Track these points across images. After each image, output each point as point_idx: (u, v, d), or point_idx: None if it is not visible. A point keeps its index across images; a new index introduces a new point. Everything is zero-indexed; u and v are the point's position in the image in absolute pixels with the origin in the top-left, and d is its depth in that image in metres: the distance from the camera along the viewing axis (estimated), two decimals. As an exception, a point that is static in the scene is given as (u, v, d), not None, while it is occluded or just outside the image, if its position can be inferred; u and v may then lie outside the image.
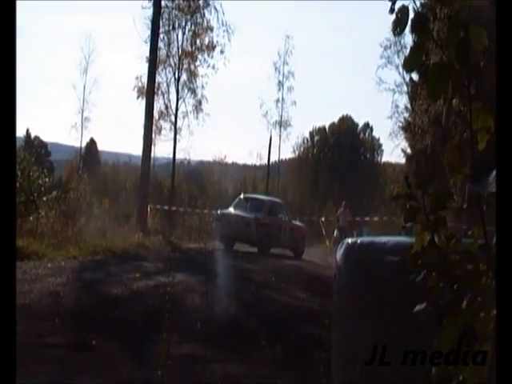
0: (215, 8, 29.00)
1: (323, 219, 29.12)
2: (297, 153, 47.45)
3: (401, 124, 32.09)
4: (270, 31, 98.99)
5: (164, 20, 27.47)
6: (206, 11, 29.22)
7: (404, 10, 1.52)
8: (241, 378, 6.46)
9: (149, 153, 23.63)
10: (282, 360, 6.01)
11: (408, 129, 23.60)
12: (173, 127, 30.21)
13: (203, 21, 29.49)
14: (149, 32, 24.45)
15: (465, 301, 1.22)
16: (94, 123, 64.67)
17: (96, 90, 58.00)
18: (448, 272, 1.32)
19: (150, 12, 24.80)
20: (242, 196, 20.22)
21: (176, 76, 30.08)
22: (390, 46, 37.30)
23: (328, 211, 31.02)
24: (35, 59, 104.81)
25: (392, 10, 1.52)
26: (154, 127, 26.07)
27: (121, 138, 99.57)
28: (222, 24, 29.24)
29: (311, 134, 48.19)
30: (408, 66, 1.55)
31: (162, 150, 49.34)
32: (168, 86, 30.13)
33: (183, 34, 29.77)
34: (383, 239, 2.56)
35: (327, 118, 79.18)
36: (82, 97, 40.54)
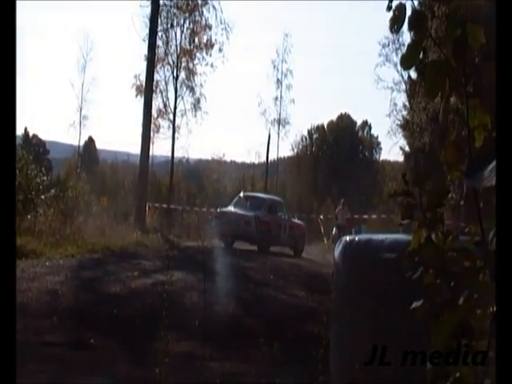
0: (213, 6, 29.00)
1: (322, 217, 29.14)
2: (295, 151, 47.48)
3: (399, 122, 32.10)
4: (268, 29, 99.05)
5: (162, 18, 27.48)
6: (204, 9, 29.22)
7: (401, 7, 1.52)
8: (239, 376, 6.47)
9: (147, 151, 23.63)
10: (281, 358, 6.01)
11: (406, 127, 23.60)
12: (171, 125, 30.21)
13: (201, 19, 29.48)
14: (147, 30, 24.46)
15: (462, 298, 1.22)
16: (92, 121, 64.66)
17: (94, 89, 58.04)
18: (445, 269, 1.33)
19: (148, 10, 24.81)
20: (241, 194, 20.23)
21: (174, 74, 30.07)
22: (389, 44, 37.30)
23: (326, 209, 31.03)
24: (33, 57, 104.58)
25: (389, 8, 1.53)
26: (152, 125, 26.07)
27: (119, 137, 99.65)
28: (221, 22, 29.27)
29: (310, 131, 48.21)
30: (405, 63, 1.55)
31: (160, 148, 49.19)
32: (166, 84, 30.13)
33: (181, 32, 29.76)
34: (381, 237, 2.56)
35: (326, 116, 79.22)
36: (80, 95, 40.50)
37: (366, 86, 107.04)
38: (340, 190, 35.10)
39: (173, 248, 14.47)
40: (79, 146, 44.93)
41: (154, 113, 27.94)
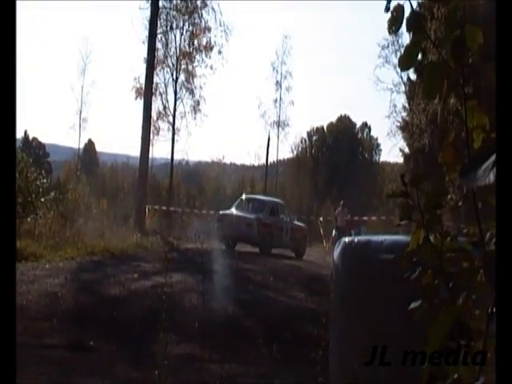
0: (213, 8, 29.03)
1: (321, 219, 29.15)
2: (295, 153, 47.48)
3: (399, 123, 32.11)
4: (267, 31, 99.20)
5: (162, 21, 27.52)
6: (203, 12, 29.26)
7: (399, 8, 1.52)
8: (238, 377, 6.46)
9: (147, 153, 23.64)
10: (280, 359, 6.02)
11: (406, 128, 23.61)
12: (171, 128, 30.26)
13: (201, 21, 29.53)
14: (146, 33, 24.50)
15: (460, 298, 1.23)
16: (92, 124, 64.93)
17: (94, 91, 58.22)
18: (443, 270, 1.33)
19: (147, 13, 24.84)
20: (243, 197, 20.27)
21: (174, 76, 30.13)
22: (388, 46, 37.28)
23: (326, 211, 31.05)
24: (33, 60, 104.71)
25: (387, 9, 1.53)
26: (152, 128, 26.09)
27: (119, 139, 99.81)
28: (220, 24, 29.28)
29: (309, 133, 48.22)
30: (403, 64, 1.55)
31: (160, 150, 49.33)
32: (166, 86, 30.18)
33: (181, 34, 29.82)
34: (380, 238, 2.57)
35: (325, 118, 79.45)
36: (79, 98, 40.56)
37: (365, 87, 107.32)
38: (339, 192, 35.10)
39: (172, 250, 14.49)
40: (79, 149, 44.99)
41: (154, 115, 27.99)
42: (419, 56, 1.52)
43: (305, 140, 47.85)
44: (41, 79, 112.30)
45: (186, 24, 29.63)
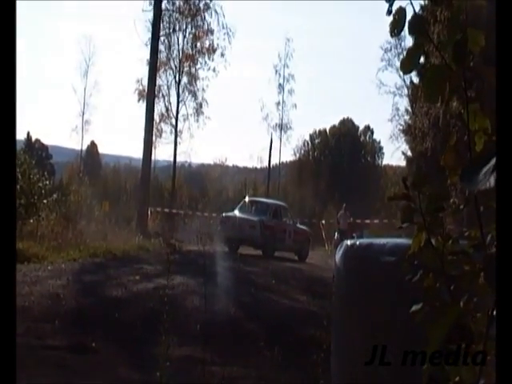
0: (215, 11, 29.14)
1: (323, 222, 29.14)
2: (297, 155, 47.56)
3: (401, 127, 32.17)
4: (270, 34, 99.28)
5: (164, 23, 27.59)
6: (206, 14, 29.36)
7: (401, 11, 1.53)
8: (240, 380, 6.46)
9: (149, 155, 23.68)
10: (281, 362, 6.01)
11: (408, 131, 23.63)
12: (173, 130, 30.35)
13: (204, 24, 29.61)
14: (149, 35, 24.55)
15: (461, 301, 1.23)
16: (94, 126, 65.14)
17: (97, 93, 58.27)
18: (444, 272, 1.33)
19: (150, 15, 24.91)
20: (246, 199, 20.31)
21: (176, 79, 30.21)
22: (391, 49, 37.45)
23: (328, 214, 31.02)
24: (35, 62, 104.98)
25: (389, 12, 1.53)
26: (154, 130, 26.14)
27: (121, 141, 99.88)
28: (223, 27, 29.39)
29: (312, 136, 48.28)
30: (405, 67, 1.55)
31: (162, 152, 49.54)
32: (169, 88, 30.27)
33: (184, 36, 29.90)
34: (382, 241, 2.56)
35: (328, 121, 79.41)
36: (82, 100, 40.71)
37: (368, 90, 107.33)
38: (342, 195, 35.08)
39: (175, 252, 14.49)
40: (81, 151, 45.10)
41: (157, 117, 28.07)
42: (421, 59, 1.53)
43: (307, 143, 47.92)
44: (43, 81, 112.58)
45: (189, 26, 29.73)
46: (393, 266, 1.75)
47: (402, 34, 1.55)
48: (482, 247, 1.24)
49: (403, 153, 26.70)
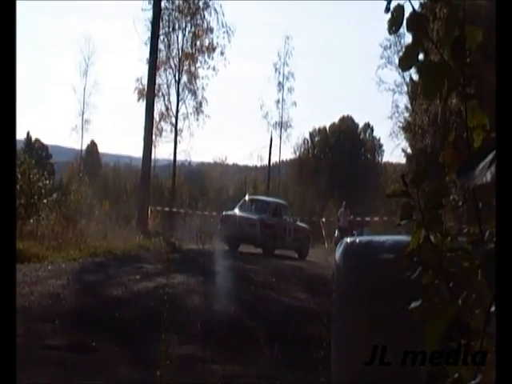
0: (215, 9, 29.13)
1: (324, 220, 29.15)
2: (297, 153, 47.52)
3: (401, 124, 32.12)
4: (269, 32, 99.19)
5: (164, 22, 27.57)
6: (205, 13, 29.35)
7: (399, 8, 1.52)
8: (240, 378, 6.46)
9: (149, 154, 23.67)
10: (282, 360, 6.02)
11: (408, 129, 23.63)
12: (173, 129, 30.35)
13: (203, 22, 29.61)
14: (149, 34, 24.53)
15: (460, 298, 1.23)
16: (94, 125, 65.01)
17: (96, 92, 58.05)
18: (443, 269, 1.33)
19: (149, 14, 24.88)
20: (246, 197, 20.33)
21: (176, 78, 30.21)
22: (390, 46, 37.39)
23: (329, 212, 31.04)
24: (35, 61, 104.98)
25: (388, 9, 1.53)
26: (154, 129, 26.13)
27: (121, 140, 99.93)
28: (222, 25, 29.38)
29: (312, 134, 48.26)
30: (403, 64, 1.55)
31: (162, 151, 49.44)
32: (168, 87, 30.27)
33: (183, 35, 29.89)
34: (382, 238, 2.57)
35: (327, 119, 79.34)
36: (82, 99, 40.68)
37: (367, 88, 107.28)
38: (342, 193, 35.09)
39: (175, 251, 14.49)
40: (81, 150, 45.08)
41: (156, 116, 28.07)
42: (420, 56, 1.52)
43: (307, 141, 47.89)
44: (43, 80, 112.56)
45: (189, 25, 29.72)
46: (392, 263, 1.75)
47: (402, 31, 1.55)
48: (480, 244, 1.24)
49: (403, 150, 26.68)
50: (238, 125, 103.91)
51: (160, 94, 29.34)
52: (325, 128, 48.35)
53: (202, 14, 29.38)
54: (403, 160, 27.41)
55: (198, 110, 31.19)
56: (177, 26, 29.39)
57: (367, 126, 48.91)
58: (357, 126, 48.65)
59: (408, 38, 1.54)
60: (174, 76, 30.18)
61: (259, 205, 19.29)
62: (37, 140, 51.75)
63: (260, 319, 8.96)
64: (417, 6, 1.60)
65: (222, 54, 30.06)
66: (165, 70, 29.84)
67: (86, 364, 6.75)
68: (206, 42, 30.01)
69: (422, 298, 1.31)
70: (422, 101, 19.67)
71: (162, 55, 28.79)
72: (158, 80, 27.47)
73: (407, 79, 33.45)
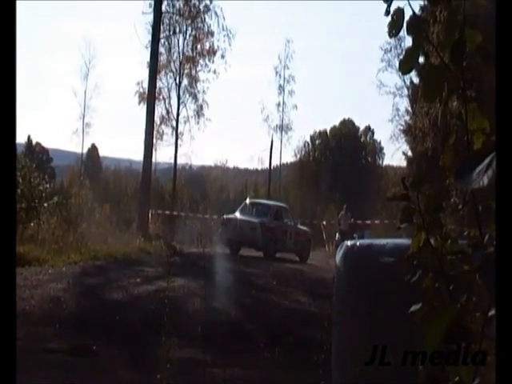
0: (215, 13, 29.16)
1: (324, 223, 29.14)
2: (298, 156, 47.54)
3: (402, 127, 32.17)
4: (270, 35, 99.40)
5: (165, 25, 27.59)
6: (206, 16, 29.37)
7: (399, 11, 1.53)
8: (241, 381, 6.45)
9: (150, 158, 23.68)
10: (282, 363, 6.01)
11: (409, 132, 23.64)
12: (174, 132, 30.37)
13: (204, 26, 29.63)
14: (149, 37, 24.54)
15: (461, 301, 1.23)
16: (95, 129, 64.99)
17: (97, 96, 58.20)
18: (443, 272, 1.33)
19: (150, 17, 24.90)
20: (247, 201, 20.33)
21: (177, 81, 30.22)
22: (391, 50, 37.47)
23: (329, 215, 31.03)
24: (36, 65, 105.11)
25: (388, 12, 1.53)
26: (155, 132, 26.15)
27: (122, 144, 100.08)
28: (223, 29, 29.41)
29: (312, 137, 48.27)
30: (404, 67, 1.56)
31: (163, 154, 49.48)
32: (169, 91, 30.29)
33: (184, 39, 29.92)
34: (382, 241, 2.57)
35: (328, 122, 79.40)
36: (82, 103, 40.72)
37: (368, 91, 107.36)
38: (343, 196, 35.09)
39: (176, 254, 14.50)
40: (82, 154, 45.12)
41: (157, 120, 28.09)
42: (421, 59, 1.53)
43: (308, 144, 47.91)
44: (44, 84, 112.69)
45: (189, 28, 29.75)
46: (392, 266, 1.75)
47: (402, 34, 1.55)
48: (480, 247, 1.24)
49: (404, 153, 26.70)
50: (238, 128, 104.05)
51: (161, 97, 29.38)
52: (325, 131, 48.38)
53: (202, 17, 29.43)
54: (404, 163, 27.43)
55: (199, 113, 31.23)
56: (177, 30, 29.43)
57: (368, 129, 48.95)
58: (357, 129, 48.68)
59: (408, 41, 1.54)
60: (175, 79, 30.22)
61: (260, 208, 19.30)
62: (37, 143, 51.81)
63: (261, 322, 8.95)
64: (417, 9, 1.61)
65: (222, 57, 30.10)
66: (165, 73, 29.89)
67: (86, 367, 6.74)
68: (207, 46, 30.06)
69: (422, 302, 1.32)
70: (422, 104, 19.68)
71: (163, 58, 28.84)
72: (159, 83, 27.52)
73: (408, 82, 33.51)
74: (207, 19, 29.38)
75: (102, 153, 56.36)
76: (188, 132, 31.02)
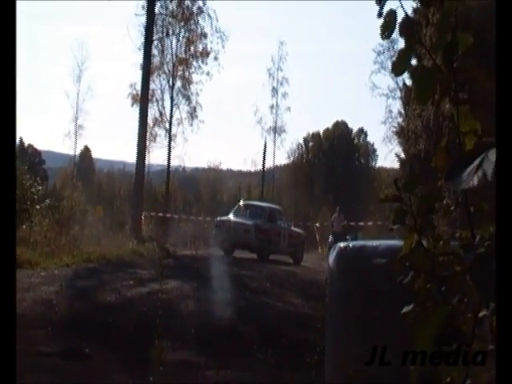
0: (209, 15, 29.12)
1: (317, 225, 29.16)
2: (291, 158, 47.55)
3: (394, 129, 32.25)
4: (263, 37, 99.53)
5: (158, 27, 27.55)
6: (199, 18, 29.33)
7: (392, 13, 1.53)
8: (234, 383, 6.45)
9: (143, 160, 23.62)
10: (276, 365, 6.01)
11: (402, 133, 23.69)
12: (167, 134, 30.30)
13: (197, 27, 29.59)
14: (142, 39, 24.47)
15: (453, 302, 1.23)
16: (88, 131, 64.93)
17: (90, 98, 58.10)
18: (435, 273, 1.33)
19: (143, 19, 24.82)
20: (241, 203, 20.32)
21: (170, 83, 30.17)
22: (384, 52, 37.58)
23: (323, 216, 31.04)
24: (28, 67, 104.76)
25: (380, 14, 1.53)
26: (148, 134, 26.10)
27: (115, 146, 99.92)
28: (216, 31, 29.37)
29: (305, 139, 48.29)
30: (396, 69, 1.56)
31: (156, 157, 49.35)
32: (162, 93, 30.23)
33: (177, 40, 29.86)
34: (375, 243, 2.58)
35: (321, 124, 79.50)
36: (75, 105, 40.63)
37: (361, 93, 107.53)
38: (336, 198, 35.12)
39: (169, 257, 14.47)
40: (75, 156, 44.97)
41: (150, 122, 28.02)
42: (413, 61, 1.53)
43: (301, 146, 47.93)
44: (36, 86, 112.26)
45: (182, 30, 29.69)
46: (385, 267, 1.75)
47: (396, 36, 1.56)
48: (471, 248, 1.25)
49: (397, 155, 26.74)
50: (232, 130, 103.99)
51: (154, 99, 29.33)
52: (319, 133, 48.41)
53: (195, 19, 29.38)
54: (397, 165, 27.48)
55: (192, 115, 31.16)
56: (170, 32, 29.38)
57: (361, 131, 49.02)
58: (351, 131, 48.74)
59: (401, 44, 1.55)
60: (168, 81, 30.17)
61: (254, 210, 19.29)
62: (30, 145, 51.59)
63: (254, 324, 8.94)
64: (410, 11, 1.61)
65: (215, 59, 30.06)
66: (158, 75, 29.83)
67: (79, 370, 6.71)
68: (200, 48, 30.00)
69: (414, 303, 1.32)
70: (415, 106, 19.74)
71: (156, 60, 28.78)
72: (152, 85, 27.44)
73: (400, 84, 33.59)
74: (200, 21, 29.36)
75: (94, 155, 56.27)
76: (181, 134, 30.98)
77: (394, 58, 1.56)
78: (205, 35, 29.57)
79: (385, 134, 37.93)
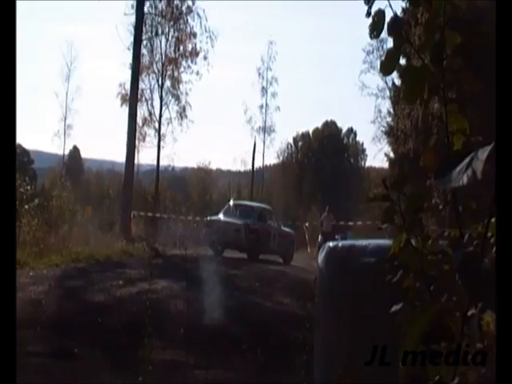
0: (198, 14, 29.06)
1: (307, 224, 29.20)
2: (281, 158, 47.64)
3: (384, 128, 32.37)
4: (253, 37, 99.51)
5: (147, 26, 27.45)
6: (188, 17, 29.26)
7: (380, 13, 1.53)
8: (224, 383, 6.44)
9: (132, 160, 23.54)
10: (265, 364, 6.01)
11: (391, 133, 23.79)
12: (157, 134, 30.21)
13: (186, 27, 29.51)
14: (131, 39, 24.37)
15: (441, 300, 1.24)
16: (77, 131, 64.56)
17: (79, 98, 57.93)
18: (424, 272, 1.34)
19: (132, 18, 24.70)
20: (231, 202, 20.28)
21: (159, 82, 30.05)
22: (373, 51, 37.69)
23: (312, 216, 31.09)
24: (17, 66, 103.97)
25: (369, 14, 1.53)
26: (137, 134, 26.02)
27: (104, 145, 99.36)
28: (205, 30, 29.30)
29: (295, 139, 48.39)
30: (384, 69, 1.56)
31: (145, 156, 49.32)
32: (152, 92, 30.11)
33: (166, 40, 29.76)
34: (364, 242, 2.58)
35: (311, 123, 79.46)
36: (64, 104, 40.52)
37: (350, 93, 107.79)
38: (325, 197, 35.21)
39: (158, 256, 14.43)
40: (64, 155, 44.79)
41: (140, 121, 27.92)
42: (402, 61, 1.53)
43: (291, 145, 48.02)
44: (25, 85, 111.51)
45: (172, 30, 29.59)
46: (374, 266, 1.75)
47: (385, 36, 1.56)
48: (459, 246, 1.25)
49: (386, 154, 26.88)
50: (221, 130, 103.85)
51: (143, 98, 29.21)
52: (308, 133, 48.53)
53: (185, 18, 29.31)
54: (386, 164, 27.62)
55: (182, 114, 31.08)
56: (160, 31, 29.28)
57: (350, 130, 49.20)
58: (340, 130, 48.88)
59: (391, 43, 1.55)
60: (157, 81, 30.05)
61: (244, 210, 19.27)
62: (18, 145, 51.17)
63: (243, 324, 8.94)
64: (398, 10, 1.61)
65: (205, 58, 29.98)
66: (148, 74, 29.72)
67: (68, 370, 6.68)
68: (189, 47, 29.92)
69: (403, 301, 1.32)
70: (404, 105, 19.82)
71: (145, 60, 28.67)
72: (141, 85, 27.35)
73: (389, 84, 33.72)
74: (190, 21, 29.29)
75: (83, 155, 55.97)
76: (171, 134, 30.92)
77: (383, 58, 1.56)
78: (194, 35, 29.51)
79: (374, 134, 38.17)
